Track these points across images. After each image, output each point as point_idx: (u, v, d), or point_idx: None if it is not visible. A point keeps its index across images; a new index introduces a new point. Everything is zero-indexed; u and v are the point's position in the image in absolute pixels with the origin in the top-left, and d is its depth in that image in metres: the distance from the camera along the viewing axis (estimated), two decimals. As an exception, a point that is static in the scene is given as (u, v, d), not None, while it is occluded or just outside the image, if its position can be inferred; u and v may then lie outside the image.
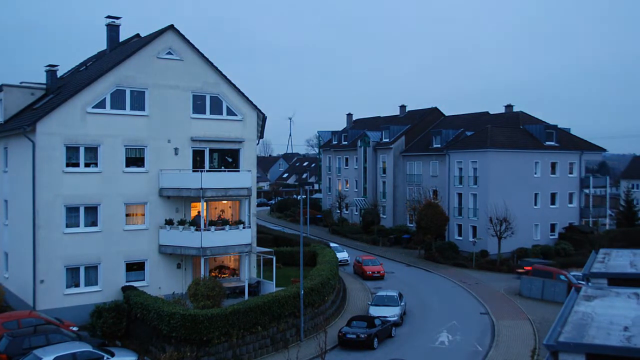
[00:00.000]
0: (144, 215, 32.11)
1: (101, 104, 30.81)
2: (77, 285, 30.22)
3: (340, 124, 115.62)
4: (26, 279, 30.00)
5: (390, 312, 33.64)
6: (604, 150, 65.58)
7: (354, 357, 28.77)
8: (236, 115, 35.14)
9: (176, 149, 32.90)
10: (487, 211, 52.62)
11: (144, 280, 31.97)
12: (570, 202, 60.70)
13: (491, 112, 68.21)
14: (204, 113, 34.00)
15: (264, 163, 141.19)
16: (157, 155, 32.32)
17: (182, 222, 32.13)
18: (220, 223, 32.76)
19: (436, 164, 63.54)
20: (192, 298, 29.11)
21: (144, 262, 32.05)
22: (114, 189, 30.99)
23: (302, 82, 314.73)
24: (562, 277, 41.61)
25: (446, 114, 74.21)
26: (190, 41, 33.34)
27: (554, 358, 11.17)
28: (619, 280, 17.40)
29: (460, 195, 58.60)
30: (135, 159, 31.92)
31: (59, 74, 39.08)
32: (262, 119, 36.44)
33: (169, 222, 32.22)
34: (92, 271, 30.54)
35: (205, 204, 32.56)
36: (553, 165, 59.39)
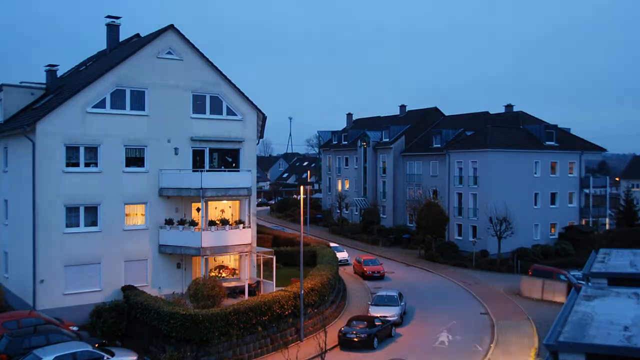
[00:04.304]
0: (144, 215, 32.10)
1: (101, 104, 30.80)
2: (77, 285, 30.17)
3: (340, 124, 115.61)
4: (26, 279, 29.99)
5: (390, 312, 33.62)
6: (604, 150, 65.56)
7: (354, 357, 28.75)
8: (236, 115, 35.14)
9: (176, 149, 32.89)
10: (487, 211, 52.60)
11: (143, 280, 31.95)
12: (570, 202, 60.70)
13: (491, 112, 68.21)
14: (204, 113, 33.99)
15: (264, 163, 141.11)
16: (157, 155, 32.31)
17: (182, 222, 32.12)
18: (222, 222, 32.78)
19: (436, 163, 63.51)
20: (192, 298, 29.10)
21: (144, 262, 32.04)
22: (114, 189, 30.98)
23: (302, 82, 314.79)
24: (562, 277, 41.60)
25: (446, 114, 74.20)
26: (190, 41, 33.34)
27: (554, 358, 11.17)
28: (619, 280, 17.41)
29: (460, 195, 58.59)
30: (135, 159, 31.91)
31: (59, 74, 39.08)
32: (262, 118, 36.43)
33: (169, 222, 32.21)
34: (92, 271, 30.51)
35: (205, 203, 32.55)
36: (553, 165, 59.38)
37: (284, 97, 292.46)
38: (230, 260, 35.75)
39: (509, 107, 67.02)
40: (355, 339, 29.45)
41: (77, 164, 30.22)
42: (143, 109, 32.07)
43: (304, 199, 67.17)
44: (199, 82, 33.69)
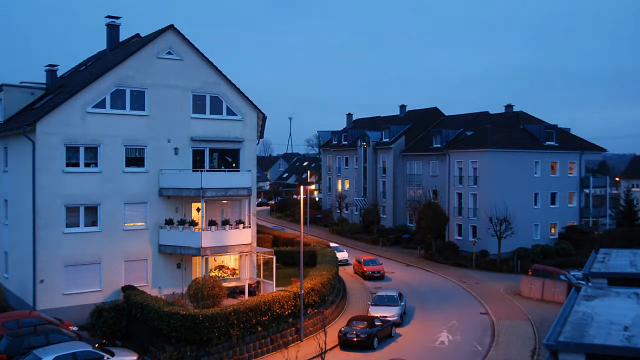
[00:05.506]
0: (144, 215, 32.09)
1: (101, 104, 30.81)
2: (77, 285, 30.16)
3: (340, 124, 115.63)
4: (26, 278, 29.99)
5: (390, 312, 33.61)
6: (604, 150, 65.54)
7: (354, 357, 28.74)
8: (236, 115, 35.14)
9: (176, 149, 32.90)
10: (487, 211, 52.58)
11: (143, 280, 31.95)
12: (570, 202, 60.68)
13: (491, 112, 68.20)
14: (204, 113, 33.99)
15: (264, 163, 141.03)
16: (157, 155, 32.31)
17: (182, 222, 32.11)
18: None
19: (436, 163, 63.49)
20: (192, 298, 29.09)
21: (144, 262, 32.03)
22: (114, 189, 30.98)
23: (302, 82, 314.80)
24: (562, 277, 41.58)
25: (446, 114, 74.19)
26: (190, 41, 33.34)
27: (554, 358, 11.17)
28: (619, 280, 17.43)
29: (460, 195, 58.56)
30: (135, 159, 31.91)
31: (59, 74, 39.07)
32: (262, 118, 36.43)
33: (169, 222, 32.21)
34: (92, 271, 30.50)
35: (205, 203, 32.53)
36: (553, 165, 59.36)
37: (284, 97, 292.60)
38: (230, 260, 35.74)
39: (509, 107, 67.00)
40: (355, 339, 29.43)
41: (77, 164, 30.22)
42: (143, 109, 32.08)
43: (304, 199, 67.28)
44: (199, 82, 33.69)
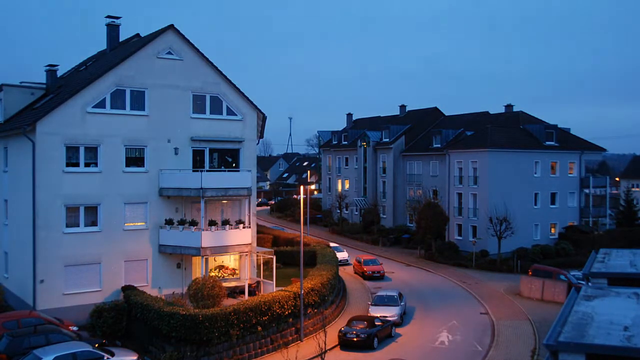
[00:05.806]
0: (144, 215, 32.09)
1: (101, 104, 30.81)
2: (77, 285, 30.15)
3: (340, 124, 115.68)
4: (26, 278, 29.99)
5: (390, 312, 33.61)
6: (604, 150, 65.54)
7: (354, 357, 28.74)
8: (236, 115, 35.14)
9: (176, 149, 32.90)
10: (487, 211, 52.59)
11: (143, 280, 31.95)
12: (571, 202, 60.67)
13: (491, 112, 68.20)
14: (204, 113, 34.00)
15: (264, 163, 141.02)
16: (157, 155, 32.31)
17: (182, 222, 32.12)
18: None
19: (436, 163, 63.49)
20: (192, 298, 29.10)
21: (144, 262, 32.03)
22: (114, 189, 30.99)
23: (302, 82, 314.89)
24: (562, 277, 41.59)
25: (446, 114, 74.19)
26: (190, 41, 33.34)
27: (554, 358, 11.17)
28: (619, 280, 17.43)
29: (460, 195, 58.56)
30: (135, 159, 31.92)
31: (59, 73, 39.07)
32: (262, 118, 36.43)
33: (169, 222, 32.21)
34: (92, 271, 30.50)
35: (205, 203, 32.53)
36: (553, 165, 59.37)
37: (284, 97, 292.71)
38: (230, 260, 35.74)
39: (509, 107, 67.02)
40: (355, 339, 29.44)
41: (77, 164, 30.23)
42: (143, 109, 32.08)
43: (304, 199, 67.22)
44: (199, 82, 33.70)
